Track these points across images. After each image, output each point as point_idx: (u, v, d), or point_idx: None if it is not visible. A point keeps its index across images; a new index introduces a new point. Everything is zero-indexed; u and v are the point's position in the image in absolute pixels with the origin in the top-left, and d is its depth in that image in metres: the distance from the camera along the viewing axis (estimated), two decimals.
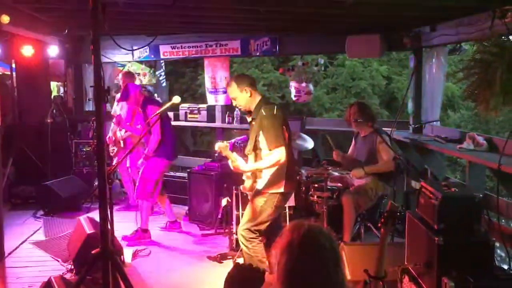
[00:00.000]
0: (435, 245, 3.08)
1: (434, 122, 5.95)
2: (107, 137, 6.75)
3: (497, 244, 3.60)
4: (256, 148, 4.08)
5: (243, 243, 4.12)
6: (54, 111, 7.50)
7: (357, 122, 5.21)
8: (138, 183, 5.67)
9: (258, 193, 4.10)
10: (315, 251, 1.86)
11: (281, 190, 4.04)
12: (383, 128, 5.32)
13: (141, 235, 5.62)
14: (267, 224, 4.08)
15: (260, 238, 4.08)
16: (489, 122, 14.05)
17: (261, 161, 4.04)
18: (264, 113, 3.98)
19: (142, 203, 5.63)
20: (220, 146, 4.09)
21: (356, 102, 5.70)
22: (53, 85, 9.18)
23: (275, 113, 3.98)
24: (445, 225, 3.16)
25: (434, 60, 5.76)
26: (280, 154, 3.89)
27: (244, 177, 4.29)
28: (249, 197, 4.33)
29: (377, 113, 13.55)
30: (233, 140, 6.17)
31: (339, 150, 5.44)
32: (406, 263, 3.56)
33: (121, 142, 6.72)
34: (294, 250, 1.86)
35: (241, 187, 4.42)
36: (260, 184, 4.08)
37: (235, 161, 4.10)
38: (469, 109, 14.44)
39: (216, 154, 5.98)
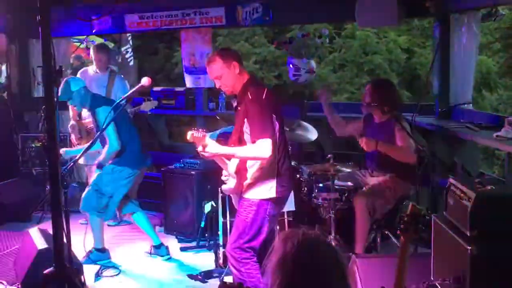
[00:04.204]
0: (467, 256, 3.10)
1: (466, 105, 5.99)
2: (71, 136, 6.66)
3: None
4: (241, 140, 4.01)
5: (234, 266, 4.03)
6: None
7: (369, 106, 5.22)
8: (87, 191, 5.46)
9: (244, 201, 4.04)
10: (314, 264, 1.87)
11: (272, 195, 3.96)
12: (403, 114, 5.33)
13: (97, 256, 5.52)
14: (261, 239, 4.00)
15: (255, 258, 3.99)
16: None
17: (241, 148, 3.93)
18: (250, 97, 3.92)
19: (90, 218, 5.46)
20: (194, 136, 3.81)
21: (371, 80, 5.66)
22: None
23: (263, 97, 3.92)
24: (479, 231, 3.17)
25: (464, 28, 5.78)
26: (264, 147, 3.77)
27: (224, 176, 4.18)
28: (233, 201, 4.30)
29: None
30: (218, 132, 6.15)
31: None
32: (432, 278, 3.59)
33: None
34: (289, 265, 1.88)
35: (222, 188, 4.32)
36: (246, 189, 4.01)
37: (207, 145, 3.84)
38: (509, 88, 14.51)
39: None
